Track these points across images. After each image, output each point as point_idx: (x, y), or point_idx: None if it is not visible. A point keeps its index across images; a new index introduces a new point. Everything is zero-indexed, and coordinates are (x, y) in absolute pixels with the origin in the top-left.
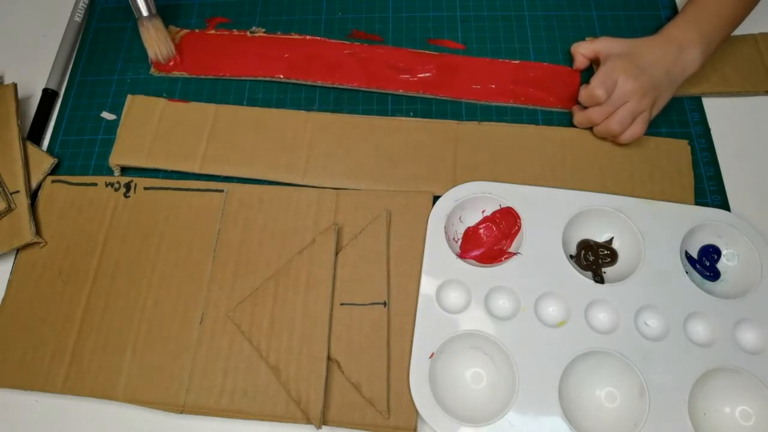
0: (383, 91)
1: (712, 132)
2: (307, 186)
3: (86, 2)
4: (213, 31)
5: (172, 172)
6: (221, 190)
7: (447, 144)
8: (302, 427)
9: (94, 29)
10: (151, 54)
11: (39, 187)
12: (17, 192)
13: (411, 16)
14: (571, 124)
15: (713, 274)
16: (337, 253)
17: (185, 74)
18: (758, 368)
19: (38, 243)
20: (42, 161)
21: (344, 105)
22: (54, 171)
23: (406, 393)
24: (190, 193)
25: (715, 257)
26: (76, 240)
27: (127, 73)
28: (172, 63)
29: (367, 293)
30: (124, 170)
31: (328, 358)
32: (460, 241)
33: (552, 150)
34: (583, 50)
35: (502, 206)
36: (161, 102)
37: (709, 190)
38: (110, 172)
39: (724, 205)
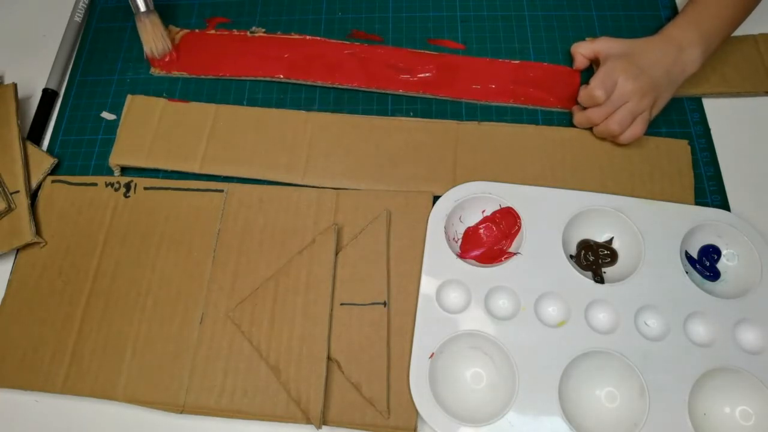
0: (383, 91)
1: (712, 132)
2: (307, 186)
3: (86, 2)
4: (213, 31)
5: (172, 172)
6: (221, 190)
7: (447, 144)
8: (302, 427)
9: (94, 29)
10: (146, 49)
11: (39, 187)
12: (17, 192)
13: (411, 16)
14: (571, 124)
15: (713, 274)
16: (337, 253)
17: (185, 74)
18: (758, 368)
19: (38, 243)
20: (42, 161)
21: (344, 105)
22: (54, 171)
23: (406, 393)
24: (190, 193)
25: (715, 257)
26: (76, 240)
27: (127, 73)
28: (167, 59)
29: (367, 293)
30: (124, 170)
31: (328, 358)
32: (460, 241)
33: (552, 150)
34: (582, 50)
35: (502, 206)
36: (161, 102)
37: (709, 190)
38: (110, 172)
39: (724, 205)
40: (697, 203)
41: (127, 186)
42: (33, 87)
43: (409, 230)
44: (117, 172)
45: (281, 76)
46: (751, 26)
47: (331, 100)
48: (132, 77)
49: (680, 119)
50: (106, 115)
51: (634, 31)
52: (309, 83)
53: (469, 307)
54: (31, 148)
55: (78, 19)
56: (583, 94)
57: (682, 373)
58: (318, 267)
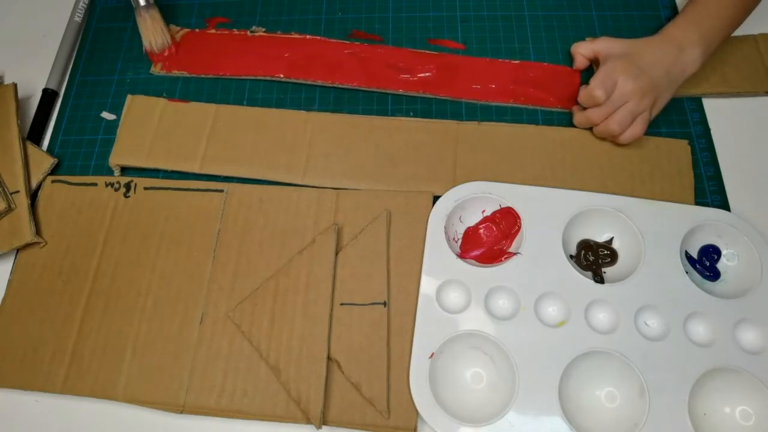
0: (383, 91)
1: (712, 132)
2: (307, 186)
3: (86, 2)
4: (213, 31)
5: (172, 172)
6: (221, 190)
7: (447, 144)
8: (302, 427)
9: (94, 29)
10: (145, 43)
11: (39, 187)
12: (17, 192)
13: (411, 16)
14: (571, 124)
15: (713, 274)
16: (337, 253)
17: (185, 73)
18: (758, 368)
19: (38, 243)
20: (42, 161)
21: (344, 105)
22: (54, 171)
23: (406, 393)
24: (190, 193)
25: (715, 257)
26: (76, 240)
27: (127, 73)
28: (166, 53)
29: (367, 293)
30: (124, 170)
31: (328, 358)
32: (460, 241)
33: (552, 150)
34: (582, 50)
35: (502, 206)
36: (161, 102)
37: (709, 190)
38: (110, 172)
39: (724, 205)
40: (697, 203)
41: (127, 186)
42: (33, 87)
43: (409, 230)
44: (117, 172)
45: (281, 76)
46: (751, 26)
47: (331, 100)
48: (132, 77)
49: (680, 119)
50: (106, 115)
51: (634, 31)
52: (309, 83)
53: (469, 307)
54: (31, 148)
55: (78, 19)
56: (583, 94)
57: (682, 373)
58: (318, 267)
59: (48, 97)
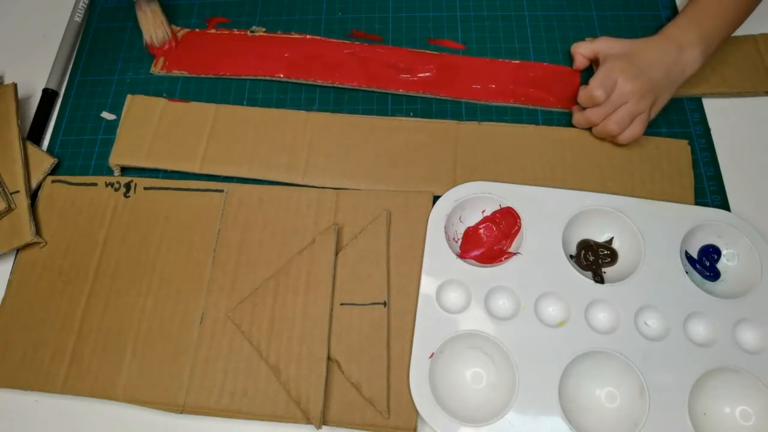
0: (383, 91)
1: (712, 132)
2: (307, 186)
3: (86, 2)
4: (213, 31)
5: (172, 172)
6: (221, 190)
7: (447, 144)
8: (302, 427)
9: (94, 29)
10: (146, 36)
11: (39, 187)
12: (17, 192)
13: (411, 16)
14: (571, 124)
15: (713, 274)
16: (337, 253)
17: (185, 73)
18: (758, 368)
19: (38, 243)
20: (42, 161)
21: (344, 105)
22: (54, 171)
23: (406, 393)
24: (190, 193)
25: (715, 257)
26: (76, 240)
27: (127, 73)
28: (166, 47)
29: (367, 293)
30: (124, 170)
31: (328, 358)
32: (460, 241)
33: (552, 150)
34: (582, 50)
35: (502, 206)
36: (161, 102)
37: (709, 190)
38: (110, 172)
39: (724, 205)
40: (697, 203)
41: (127, 186)
42: (33, 87)
43: (409, 230)
44: (117, 172)
45: (281, 76)
46: (751, 26)
47: (331, 100)
48: (132, 77)
49: (680, 119)
50: (106, 115)
51: (634, 31)
52: (309, 83)
53: (469, 307)
54: (31, 148)
55: (78, 19)
56: (583, 94)
57: (682, 373)
58: (318, 267)
59: (48, 97)
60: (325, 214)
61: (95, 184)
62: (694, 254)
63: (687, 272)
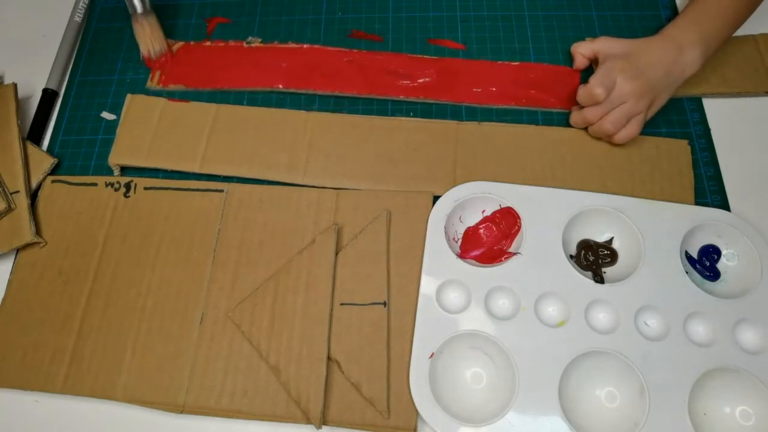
0: (384, 98)
1: (712, 132)
2: (307, 186)
3: (86, 2)
4: (208, 43)
5: (172, 171)
6: (221, 190)
7: (447, 144)
8: (302, 427)
9: (94, 29)
10: (143, 50)
11: (39, 187)
12: (17, 192)
13: (411, 16)
14: (570, 124)
15: (713, 274)
16: (337, 253)
17: (182, 87)
18: (758, 368)
19: (38, 243)
20: (42, 161)
21: (344, 105)
22: (54, 171)
23: (406, 393)
24: (190, 193)
25: (715, 257)
26: (76, 240)
27: (127, 73)
28: (163, 59)
29: (367, 293)
30: (124, 170)
31: (328, 358)
32: (460, 241)
33: (552, 150)
34: (582, 50)
35: (502, 206)
36: (161, 101)
37: (709, 190)
38: (110, 172)
39: (724, 205)
40: (697, 203)
41: (127, 186)
42: (33, 87)
43: (409, 230)
44: (116, 172)
45: (280, 86)
46: (751, 26)
47: (331, 100)
48: (132, 77)
49: (680, 119)
50: (106, 115)
51: (634, 31)
52: (309, 92)
53: (469, 307)
54: (31, 148)
55: (78, 19)
56: (583, 93)
57: (682, 373)
58: (318, 267)
59: (48, 97)
60: (325, 214)
61: (95, 184)
62: (694, 254)
63: (687, 272)
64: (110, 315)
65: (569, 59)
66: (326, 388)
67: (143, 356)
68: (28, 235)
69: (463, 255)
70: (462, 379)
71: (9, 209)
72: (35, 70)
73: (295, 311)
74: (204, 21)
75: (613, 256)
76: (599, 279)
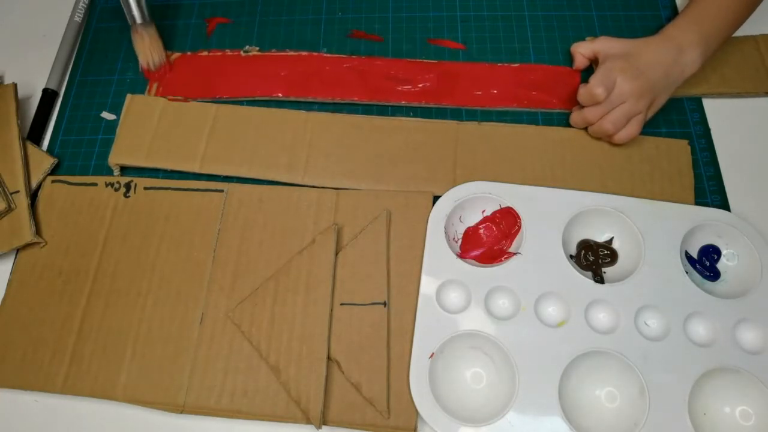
0: (385, 104)
1: (712, 132)
2: (307, 186)
3: (86, 2)
4: (205, 53)
5: (172, 171)
6: (221, 190)
7: (447, 144)
8: (302, 427)
9: (94, 29)
10: (142, 62)
11: (39, 187)
12: (17, 192)
13: (411, 16)
14: (570, 124)
15: (713, 274)
16: (337, 253)
17: (180, 98)
18: (758, 368)
19: (38, 243)
20: (42, 161)
21: (344, 105)
22: (54, 171)
23: (406, 393)
24: (190, 193)
25: (715, 257)
26: (76, 240)
27: (127, 73)
28: (162, 71)
29: (367, 293)
30: (124, 170)
31: (328, 358)
32: (460, 241)
33: (552, 150)
34: (582, 50)
35: (502, 206)
36: (161, 101)
37: (709, 190)
38: (110, 172)
39: (724, 205)
40: (697, 203)
41: (127, 186)
42: (33, 87)
43: (409, 230)
44: (116, 172)
45: (280, 95)
46: (751, 27)
47: (330, 107)
48: (132, 77)
49: (680, 119)
50: (106, 115)
51: (634, 31)
52: (309, 100)
53: (469, 307)
54: (31, 148)
55: (78, 19)
56: (583, 92)
57: (682, 373)
58: (318, 267)
59: (48, 97)
60: (325, 214)
61: (95, 184)
62: (694, 254)
63: (687, 272)
64: (110, 315)
65: (569, 59)
66: (326, 388)
67: (143, 356)
68: (28, 235)
69: (463, 255)
70: (462, 379)
71: (9, 209)
72: (35, 70)
73: (295, 311)
74: (204, 21)
75: (613, 256)
76: (599, 279)
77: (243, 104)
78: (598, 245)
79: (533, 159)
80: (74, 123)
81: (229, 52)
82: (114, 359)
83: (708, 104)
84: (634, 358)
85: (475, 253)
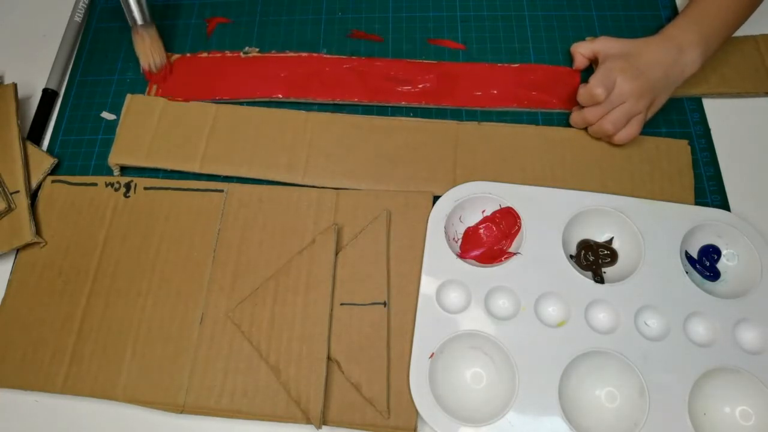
0: (385, 105)
1: (712, 132)
2: (307, 186)
3: (86, 2)
4: (205, 54)
5: (172, 171)
6: (221, 190)
7: (447, 144)
8: (302, 427)
9: (94, 29)
10: (143, 63)
11: (39, 187)
12: (17, 192)
13: (411, 16)
14: (570, 124)
15: (713, 274)
16: (337, 253)
17: (180, 100)
18: (758, 368)
19: (38, 243)
20: (42, 161)
21: (344, 105)
22: (54, 171)
23: (406, 393)
24: (190, 193)
25: (715, 257)
26: (76, 240)
27: (127, 73)
28: (163, 72)
29: (367, 293)
30: (124, 170)
31: (328, 358)
32: (460, 241)
33: (552, 150)
34: (582, 50)
35: (502, 206)
36: (161, 101)
37: (709, 190)
38: (110, 172)
39: (724, 205)
40: (697, 203)
41: (127, 186)
42: (33, 87)
43: (409, 230)
44: (116, 172)
45: (280, 96)
46: (751, 27)
47: (330, 108)
48: (132, 77)
49: (680, 119)
50: (106, 115)
51: (634, 31)
52: (309, 101)
53: (469, 307)
54: (31, 148)
55: (78, 19)
56: (583, 92)
57: (682, 373)
58: (318, 267)
59: (48, 97)
60: (325, 214)
61: (95, 184)
62: (694, 254)
63: (687, 272)
64: (110, 315)
65: (569, 59)
66: (326, 388)
67: (143, 356)
68: (28, 235)
69: (463, 255)
70: (462, 379)
71: (9, 209)
72: (35, 70)
73: (295, 311)
74: (204, 21)
75: (613, 256)
76: (599, 279)
77: (244, 102)
78: (598, 245)
79: (533, 159)
80: (74, 123)
81: (228, 54)
82: (114, 359)
83: (708, 104)
84: (634, 358)
85: (475, 253)
